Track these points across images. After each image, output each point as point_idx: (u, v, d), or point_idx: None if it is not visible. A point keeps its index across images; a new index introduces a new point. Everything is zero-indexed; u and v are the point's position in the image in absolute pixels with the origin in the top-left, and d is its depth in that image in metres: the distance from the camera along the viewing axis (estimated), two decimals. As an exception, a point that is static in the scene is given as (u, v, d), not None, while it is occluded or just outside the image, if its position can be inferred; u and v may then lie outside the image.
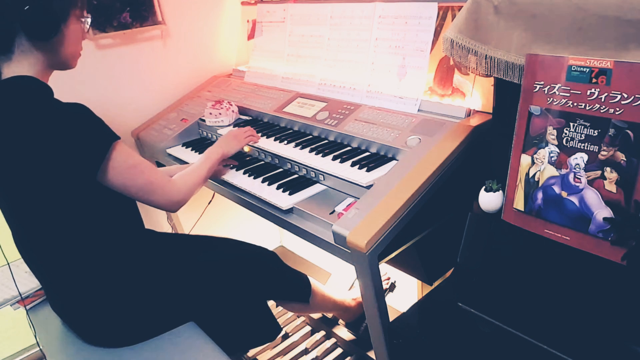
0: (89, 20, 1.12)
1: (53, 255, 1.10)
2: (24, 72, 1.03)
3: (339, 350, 1.74)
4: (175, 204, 1.18)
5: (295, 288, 1.45)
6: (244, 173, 1.42)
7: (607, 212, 0.85)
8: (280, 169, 1.42)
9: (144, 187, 1.10)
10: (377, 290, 1.06)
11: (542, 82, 0.91)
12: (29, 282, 1.35)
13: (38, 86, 1.04)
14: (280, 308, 1.87)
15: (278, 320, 1.39)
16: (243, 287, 1.30)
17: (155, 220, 2.08)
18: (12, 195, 1.07)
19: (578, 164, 0.88)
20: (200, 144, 1.69)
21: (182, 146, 1.72)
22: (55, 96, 1.05)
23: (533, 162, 0.95)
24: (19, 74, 1.03)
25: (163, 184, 1.15)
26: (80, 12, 1.08)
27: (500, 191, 1.04)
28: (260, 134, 1.54)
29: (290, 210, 1.23)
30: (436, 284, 1.34)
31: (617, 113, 0.82)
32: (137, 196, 1.12)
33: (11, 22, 0.99)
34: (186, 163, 1.56)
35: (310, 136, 1.50)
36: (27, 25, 0.99)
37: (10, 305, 1.32)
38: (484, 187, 1.06)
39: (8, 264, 1.21)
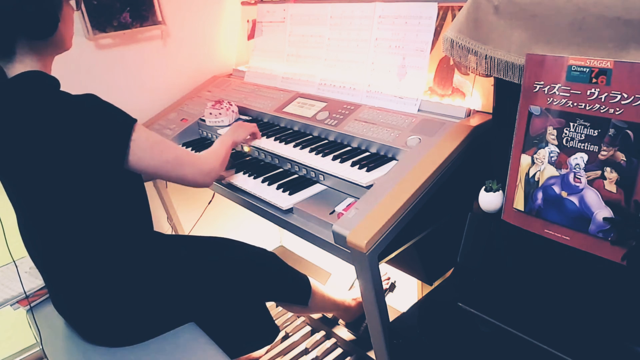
0: None
1: (60, 251, 1.11)
2: (28, 69, 1.04)
3: (339, 350, 1.74)
4: (206, 175, 1.21)
5: (296, 289, 1.45)
6: (244, 173, 1.42)
7: (607, 212, 0.85)
8: (280, 169, 1.42)
9: (173, 161, 1.12)
10: (377, 290, 1.06)
11: (542, 82, 0.91)
12: (29, 283, 1.35)
13: (47, 80, 1.05)
14: (280, 308, 1.87)
15: (278, 320, 1.40)
16: (243, 288, 1.30)
17: (155, 220, 2.06)
18: (27, 189, 1.07)
19: (578, 164, 0.88)
20: (200, 144, 1.69)
21: (182, 146, 1.72)
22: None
23: (533, 162, 0.95)
24: (24, 71, 1.03)
25: (190, 156, 1.18)
26: None
27: (500, 191, 1.04)
28: (260, 134, 1.54)
29: (290, 210, 1.23)
30: (436, 284, 1.34)
31: (617, 113, 0.82)
32: (169, 173, 1.13)
33: (12, 27, 0.99)
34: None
35: (310, 136, 1.50)
36: (28, 28, 1.00)
37: (10, 305, 1.32)
38: (484, 187, 1.06)
39: (14, 261, 1.22)
